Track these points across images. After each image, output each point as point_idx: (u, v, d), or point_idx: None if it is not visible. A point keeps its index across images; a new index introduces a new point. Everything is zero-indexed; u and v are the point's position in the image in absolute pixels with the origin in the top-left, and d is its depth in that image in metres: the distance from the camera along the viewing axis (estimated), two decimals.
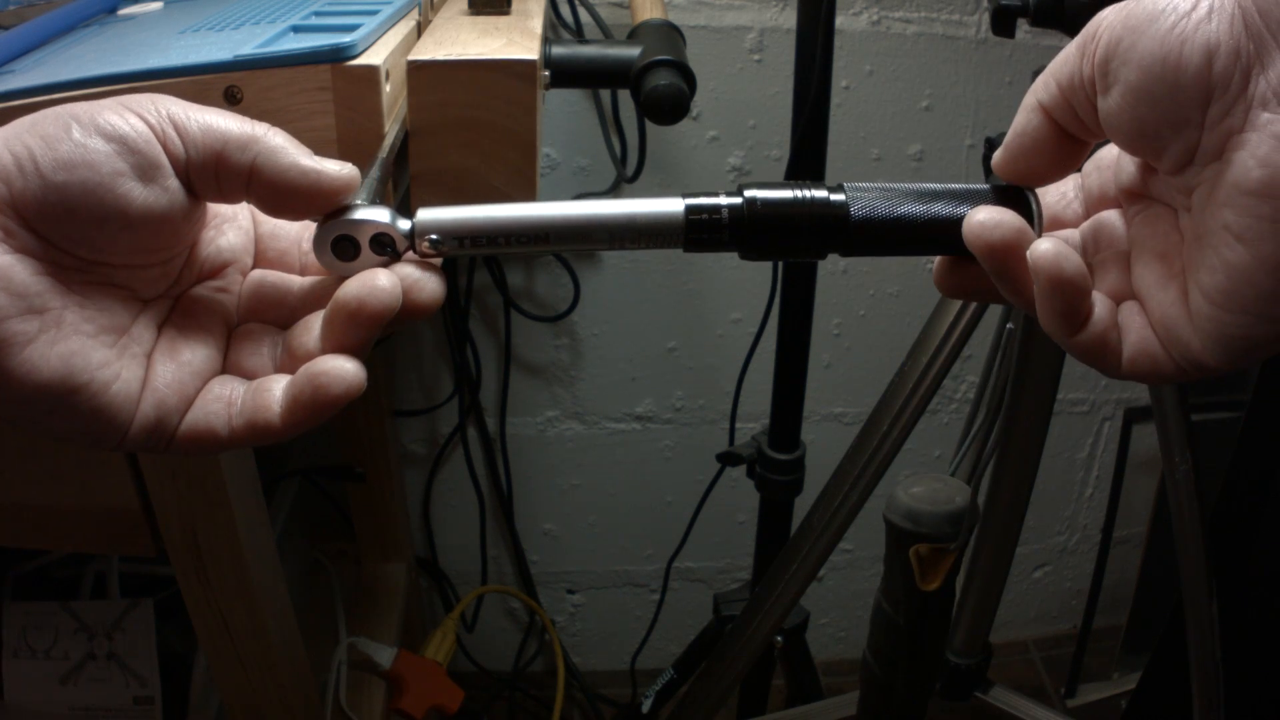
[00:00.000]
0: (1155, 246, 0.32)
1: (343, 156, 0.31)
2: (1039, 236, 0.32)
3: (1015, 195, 0.34)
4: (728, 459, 1.04)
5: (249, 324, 0.33)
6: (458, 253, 0.32)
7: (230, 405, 0.30)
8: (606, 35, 1.02)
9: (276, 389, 0.30)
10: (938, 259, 0.35)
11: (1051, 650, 1.48)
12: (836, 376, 1.27)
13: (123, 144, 0.28)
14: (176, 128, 0.29)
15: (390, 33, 0.46)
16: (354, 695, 0.98)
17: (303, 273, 0.34)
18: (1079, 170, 0.36)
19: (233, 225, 0.34)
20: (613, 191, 1.13)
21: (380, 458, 1.11)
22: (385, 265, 0.32)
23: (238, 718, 0.67)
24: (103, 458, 0.55)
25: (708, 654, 0.99)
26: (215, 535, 0.58)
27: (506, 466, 1.27)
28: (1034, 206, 0.33)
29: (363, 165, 0.32)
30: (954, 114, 1.14)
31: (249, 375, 0.32)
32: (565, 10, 1.02)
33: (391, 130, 0.43)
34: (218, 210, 0.34)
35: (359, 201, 0.32)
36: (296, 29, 0.45)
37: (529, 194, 0.45)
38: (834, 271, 1.21)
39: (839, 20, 1.00)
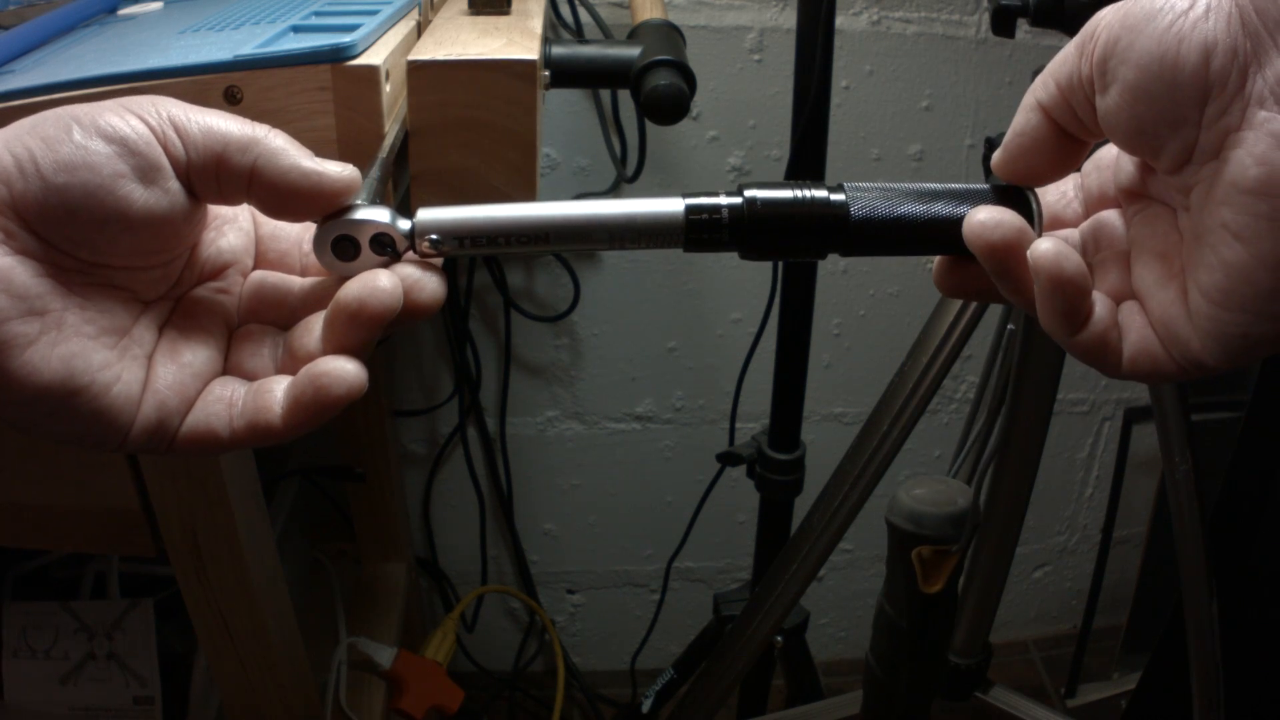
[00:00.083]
0: (1154, 246, 0.32)
1: (343, 156, 0.31)
2: (1039, 236, 0.32)
3: (1015, 195, 0.34)
4: (728, 459, 1.04)
5: (249, 325, 0.33)
6: (458, 253, 0.32)
7: (231, 406, 0.30)
8: (606, 35, 1.02)
9: (278, 390, 0.30)
10: (938, 259, 0.35)
11: (1051, 650, 1.48)
12: (836, 376, 1.27)
13: (123, 146, 0.28)
14: (177, 129, 0.29)
15: (390, 33, 0.46)
16: (354, 695, 0.98)
17: (304, 274, 0.34)
18: (1078, 170, 0.36)
19: (233, 226, 0.34)
20: (613, 191, 1.13)
21: (380, 458, 1.11)
22: (385, 265, 0.32)
23: (238, 718, 0.67)
24: (103, 458, 0.55)
25: (708, 654, 0.99)
26: (215, 535, 0.58)
27: (506, 466, 1.27)
28: (1034, 206, 0.33)
29: (363, 165, 0.32)
30: (954, 114, 1.14)
31: (250, 376, 0.32)
32: (565, 10, 1.02)
33: (391, 130, 0.43)
34: (218, 212, 0.34)
35: (359, 202, 0.32)
36: (296, 29, 0.45)
37: (529, 194, 0.45)
38: (834, 271, 1.21)
39: (839, 20, 1.00)
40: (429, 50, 0.44)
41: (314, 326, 0.31)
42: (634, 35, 0.67)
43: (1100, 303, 0.31)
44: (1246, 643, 0.89)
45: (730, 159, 1.13)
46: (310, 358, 0.30)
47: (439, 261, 0.33)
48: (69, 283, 0.28)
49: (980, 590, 0.97)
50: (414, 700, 1.01)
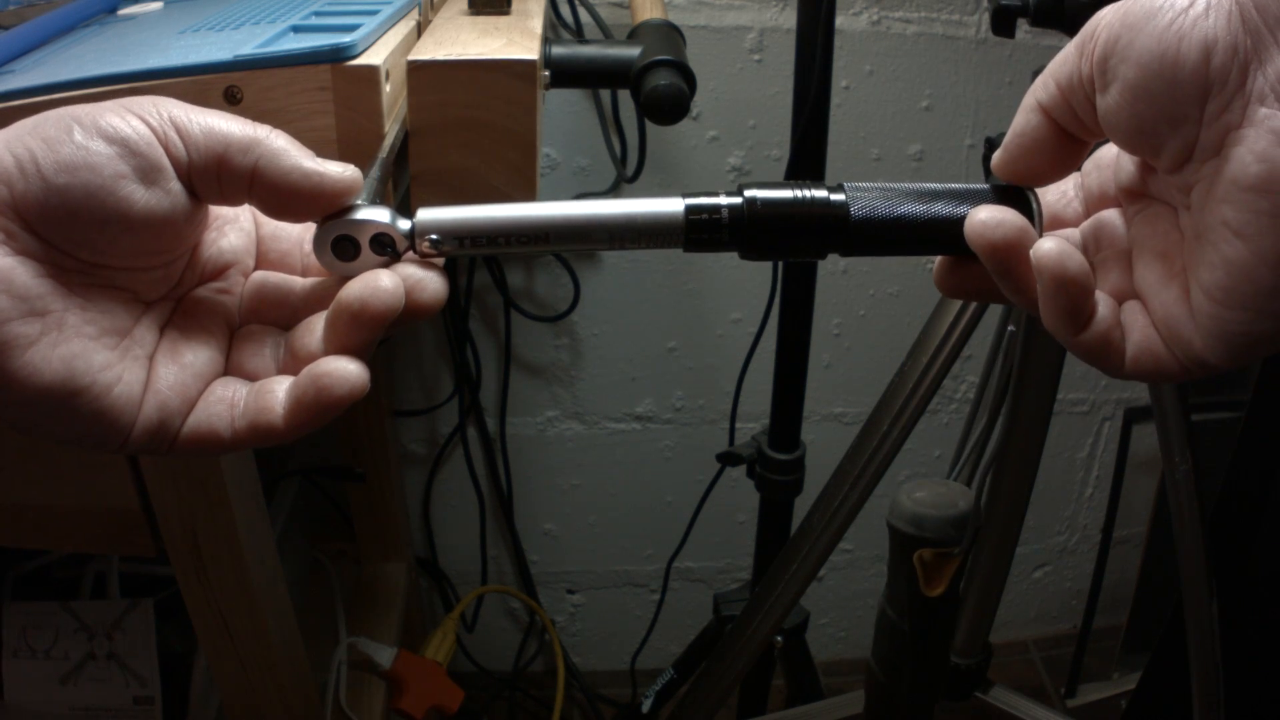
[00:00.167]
0: (1156, 245, 0.32)
1: (343, 156, 0.31)
2: (1040, 236, 0.32)
3: (1015, 195, 0.34)
4: (728, 459, 1.04)
5: (251, 325, 0.33)
6: (458, 253, 0.32)
7: (233, 407, 0.30)
8: (606, 35, 1.02)
9: (279, 390, 0.30)
10: (938, 259, 0.35)
11: (1051, 650, 1.48)
12: (836, 376, 1.27)
13: (124, 146, 0.28)
14: (178, 130, 0.29)
15: (390, 33, 0.46)
16: (354, 695, 0.98)
17: (305, 274, 0.34)
18: (1079, 170, 0.36)
19: (234, 227, 0.34)
20: (613, 191, 1.13)
21: (380, 458, 1.11)
22: (385, 265, 0.32)
23: (238, 718, 0.67)
24: (103, 458, 0.55)
25: (708, 654, 0.99)
26: (215, 535, 0.58)
27: (506, 466, 1.27)
28: (1034, 206, 0.33)
29: (363, 165, 0.32)
30: (954, 114, 1.14)
31: (251, 377, 0.32)
32: (565, 10, 1.02)
33: (391, 130, 0.43)
34: (219, 212, 0.34)
35: (359, 202, 0.32)
36: (296, 29, 0.45)
37: (529, 194, 0.45)
38: (834, 271, 1.21)
39: (839, 20, 1.00)
40: (429, 50, 0.44)
41: (315, 327, 0.31)
42: (634, 35, 0.67)
43: (1103, 302, 0.31)
44: (1246, 643, 0.89)
45: (730, 159, 1.13)
46: (312, 358, 0.30)
47: (440, 261, 0.33)
48: (70, 283, 0.28)
49: (980, 590, 0.97)
50: (414, 700, 1.01)
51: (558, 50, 0.61)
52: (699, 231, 0.33)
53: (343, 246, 0.31)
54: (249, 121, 0.30)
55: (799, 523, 0.88)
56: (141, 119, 0.28)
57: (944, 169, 1.17)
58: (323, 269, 0.33)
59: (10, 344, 0.27)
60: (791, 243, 0.34)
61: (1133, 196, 0.33)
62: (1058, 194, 0.36)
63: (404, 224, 0.32)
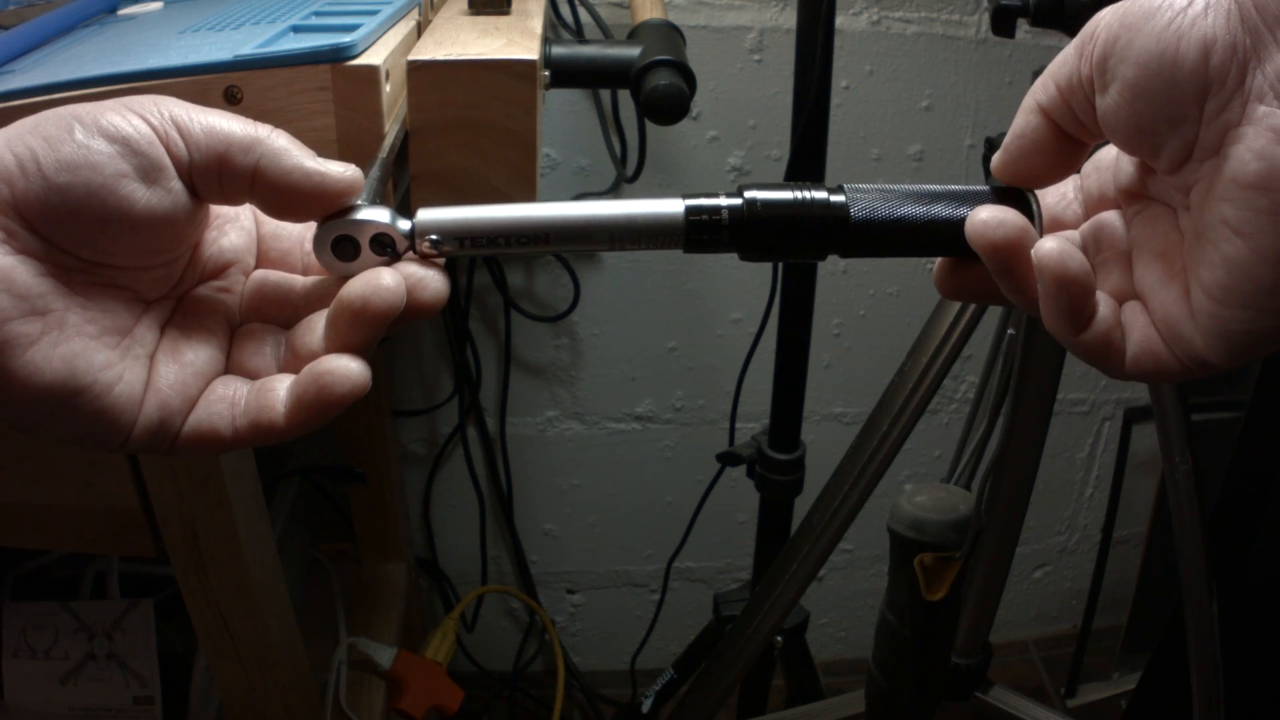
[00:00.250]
0: (1155, 246, 0.32)
1: (343, 156, 0.31)
2: (1040, 237, 0.32)
3: (1015, 196, 0.34)
4: (728, 459, 1.04)
5: (251, 324, 0.33)
6: (458, 253, 0.32)
7: (234, 405, 0.30)
8: (606, 35, 1.02)
9: (280, 389, 0.30)
10: (938, 260, 0.35)
11: (1051, 650, 1.48)
12: (836, 376, 1.27)
13: (125, 145, 0.28)
14: (179, 129, 0.29)
15: (390, 33, 0.46)
16: (354, 695, 0.98)
17: (305, 273, 0.34)
18: (1078, 172, 0.36)
19: (235, 226, 0.34)
20: (613, 191, 1.13)
21: (380, 458, 1.11)
22: (385, 265, 0.32)
23: (238, 718, 0.67)
24: (103, 458, 0.55)
25: (708, 654, 0.99)
26: (215, 535, 0.58)
27: (506, 466, 1.27)
28: (1034, 207, 0.33)
29: (363, 165, 0.32)
30: (954, 114, 1.14)
31: (252, 375, 0.32)
32: (565, 10, 1.02)
33: (391, 130, 0.43)
34: (220, 211, 0.34)
35: (359, 202, 0.32)
36: (296, 29, 0.45)
37: (529, 194, 0.45)
38: (834, 271, 1.21)
39: (839, 20, 1.00)
40: (429, 50, 0.44)
41: (316, 325, 0.31)
42: (634, 35, 0.67)
43: (1104, 303, 0.31)
44: (1246, 643, 0.89)
45: (730, 159, 1.13)
46: (313, 356, 0.30)
47: (440, 261, 0.33)
48: (71, 282, 0.28)
49: (980, 590, 0.97)
50: (414, 700, 1.00)
51: (558, 50, 0.61)
52: (699, 232, 0.33)
53: (343, 246, 0.31)
54: (250, 121, 0.30)
55: (799, 523, 0.88)
56: (143, 118, 0.28)
57: (944, 169, 1.17)
58: (323, 268, 0.33)
59: (11, 343, 0.27)
60: (791, 244, 0.34)
61: (1132, 198, 0.33)
62: (1057, 196, 0.36)
63: (404, 224, 0.32)
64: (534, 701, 1.37)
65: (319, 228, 0.31)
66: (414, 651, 1.07)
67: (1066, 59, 0.31)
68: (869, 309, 1.24)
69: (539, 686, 1.38)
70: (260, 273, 0.34)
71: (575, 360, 1.23)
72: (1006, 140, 0.33)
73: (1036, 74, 0.34)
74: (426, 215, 0.32)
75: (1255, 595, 0.92)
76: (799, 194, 0.33)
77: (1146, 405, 1.31)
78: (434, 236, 0.32)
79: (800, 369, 0.97)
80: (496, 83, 0.43)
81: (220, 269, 0.33)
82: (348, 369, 0.29)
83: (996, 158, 0.34)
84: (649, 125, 1.07)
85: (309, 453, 1.13)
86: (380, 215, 0.31)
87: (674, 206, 0.33)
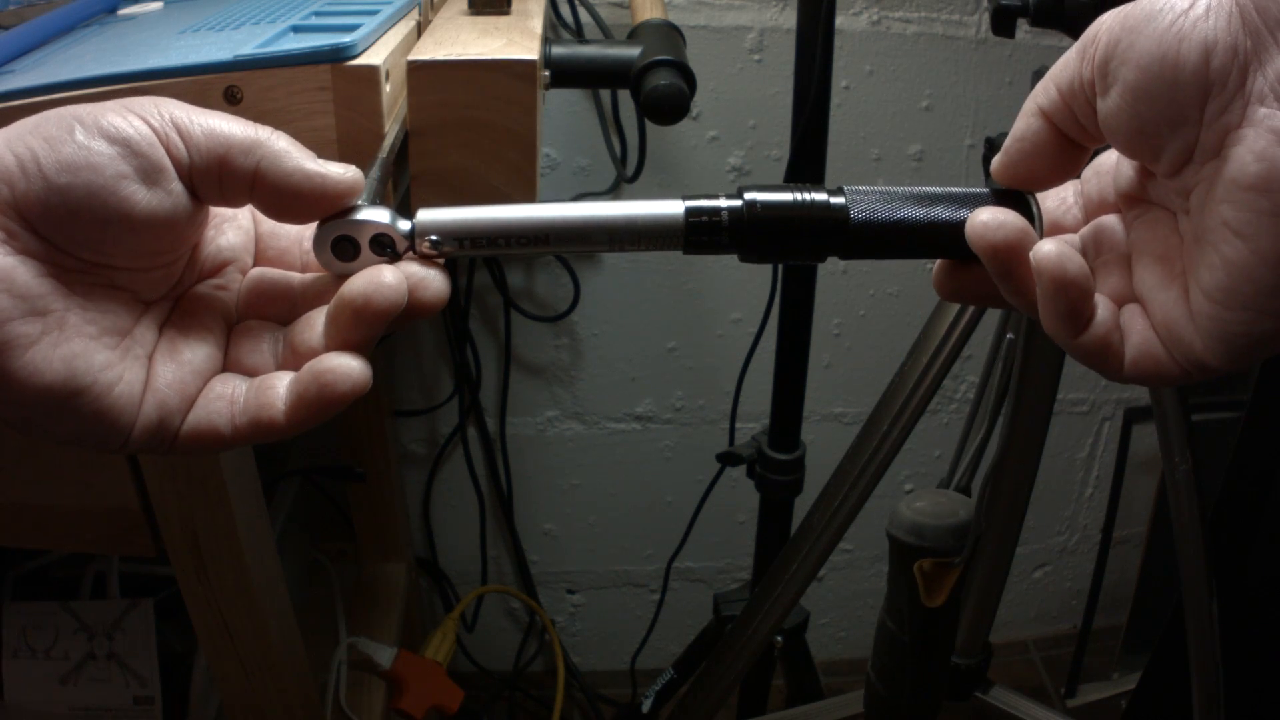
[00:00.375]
0: (1155, 249, 0.32)
1: (343, 156, 0.31)
2: (1040, 239, 0.32)
3: (1015, 198, 0.34)
4: (728, 459, 1.04)
5: (249, 321, 0.33)
6: (458, 253, 0.32)
7: (233, 403, 0.30)
8: (606, 35, 1.02)
9: (280, 386, 0.30)
10: (938, 263, 0.35)
11: (1051, 650, 1.48)
12: (836, 376, 1.27)
13: (126, 146, 0.28)
14: (179, 131, 0.29)
15: (390, 33, 0.46)
16: (354, 695, 0.98)
17: (304, 271, 0.34)
18: (1078, 176, 0.36)
19: (233, 225, 0.34)
20: (613, 191, 1.13)
21: (380, 458, 1.11)
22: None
23: (238, 718, 0.67)
24: (103, 458, 0.55)
25: (708, 654, 0.99)
26: (215, 535, 0.58)
27: (506, 466, 1.27)
28: (1034, 209, 0.33)
29: (363, 165, 0.32)
30: (954, 114, 1.14)
31: (250, 372, 0.31)
32: (565, 10, 1.02)
33: (391, 130, 0.43)
34: (218, 210, 0.34)
35: (359, 202, 0.32)
36: (296, 29, 0.45)
37: (529, 194, 0.45)
38: (834, 271, 1.21)
39: (839, 20, 1.00)
40: (429, 50, 0.44)
41: (315, 322, 0.31)
42: (634, 35, 0.67)
43: (1102, 305, 0.31)
44: (1246, 643, 0.89)
45: (730, 159, 1.13)
46: (313, 353, 0.30)
47: (440, 261, 0.33)
48: (71, 283, 0.28)
49: (980, 590, 0.97)
50: (414, 700, 1.01)
51: (558, 50, 0.61)
52: (699, 234, 0.33)
53: (342, 247, 0.31)
54: (250, 123, 0.30)
55: (799, 523, 0.88)
56: (143, 119, 0.28)
57: (944, 169, 1.17)
58: (322, 267, 0.33)
59: (11, 344, 0.26)
60: (791, 246, 0.34)
61: (1132, 202, 0.33)
62: (1057, 200, 0.36)
63: (404, 224, 0.32)
64: (534, 701, 1.37)
65: (319, 228, 0.31)
66: (414, 651, 1.07)
67: (1068, 62, 0.31)
68: (869, 309, 1.24)
69: (539, 686, 1.38)
70: (257, 269, 0.34)
71: (575, 360, 1.23)
72: (1007, 143, 0.33)
73: (1036, 74, 0.34)
74: (426, 215, 0.32)
75: (1255, 595, 0.92)
76: (799, 196, 0.33)
77: (1146, 405, 1.31)
78: (434, 237, 0.32)
79: (800, 369, 0.97)
80: (496, 83, 0.43)
81: (218, 268, 0.33)
82: (349, 367, 0.29)
83: (997, 160, 0.34)
84: (649, 125, 1.07)
85: (309, 452, 1.13)
86: (380, 215, 0.31)
87: (674, 208, 0.33)
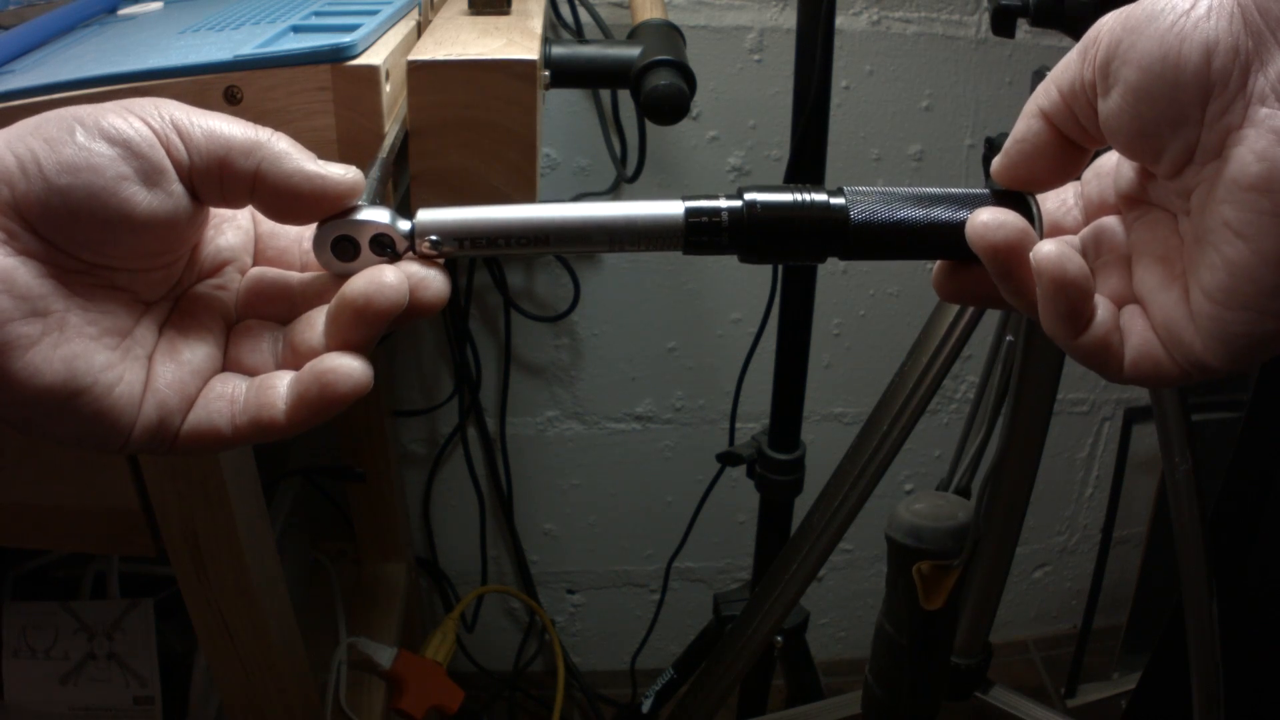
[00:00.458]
0: (1156, 250, 0.32)
1: (343, 157, 0.31)
2: (1040, 239, 0.32)
3: (1015, 199, 0.34)
4: (728, 459, 1.04)
5: (248, 320, 0.33)
6: (458, 253, 0.32)
7: (233, 403, 0.30)
8: (606, 35, 1.02)
9: (281, 386, 0.30)
10: (937, 264, 0.35)
11: (1051, 650, 1.48)
12: (836, 376, 1.27)
13: (126, 148, 0.28)
14: (180, 132, 0.29)
15: (390, 33, 0.46)
16: (354, 695, 0.98)
17: (303, 271, 0.34)
18: (1078, 178, 0.36)
19: (232, 225, 0.34)
20: (613, 191, 1.13)
21: (380, 458, 1.11)
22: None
23: (238, 718, 0.67)
24: (103, 458, 0.55)
25: (708, 654, 0.99)
26: (215, 535, 0.58)
27: (506, 466, 1.27)
28: (1034, 210, 0.33)
29: (363, 165, 0.32)
30: (954, 114, 1.14)
31: (250, 372, 0.31)
32: (565, 10, 1.02)
33: (391, 130, 0.43)
34: (217, 210, 0.34)
35: (359, 202, 0.32)
36: (296, 29, 0.45)
37: (529, 194, 0.45)
38: (834, 272, 1.21)
39: (839, 20, 1.00)
40: (429, 50, 0.44)
41: (316, 321, 0.31)
42: (634, 35, 0.67)
43: (1102, 306, 0.31)
44: (1246, 643, 0.89)
45: (730, 159, 1.13)
46: (313, 352, 0.30)
47: (440, 261, 0.33)
48: (71, 284, 0.28)
49: (980, 590, 0.97)
50: (414, 700, 1.01)
51: (558, 50, 0.61)
52: (699, 234, 0.33)
53: (342, 247, 0.31)
54: (250, 124, 0.30)
55: (799, 523, 0.88)
56: (144, 120, 0.28)
57: (944, 169, 1.17)
58: (322, 267, 0.33)
59: (12, 344, 0.26)
60: (791, 246, 0.34)
61: (1132, 203, 0.33)
62: (1057, 202, 0.36)
63: (404, 224, 0.32)
64: (534, 701, 1.37)
65: (319, 228, 0.31)
66: (414, 651, 1.07)
67: (1069, 63, 0.31)
68: (869, 309, 1.24)
69: (539, 686, 1.38)
70: (257, 269, 0.34)
71: (575, 360, 1.23)
72: (1007, 144, 0.33)
73: (1036, 74, 0.34)
74: (426, 215, 0.32)
75: (1255, 595, 0.92)
76: (799, 196, 0.33)
77: (1146, 405, 1.31)
78: (434, 237, 0.32)
79: (800, 369, 0.97)
80: (496, 83, 0.43)
81: (217, 268, 0.33)
82: (350, 368, 0.29)
83: (997, 161, 0.34)
84: (649, 125, 1.07)
85: (309, 453, 1.13)
86: (380, 215, 0.31)
87: (674, 208, 0.33)
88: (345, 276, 0.31)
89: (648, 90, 0.60)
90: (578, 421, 1.27)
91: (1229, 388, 1.14)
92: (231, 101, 0.41)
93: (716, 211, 0.33)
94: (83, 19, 0.53)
